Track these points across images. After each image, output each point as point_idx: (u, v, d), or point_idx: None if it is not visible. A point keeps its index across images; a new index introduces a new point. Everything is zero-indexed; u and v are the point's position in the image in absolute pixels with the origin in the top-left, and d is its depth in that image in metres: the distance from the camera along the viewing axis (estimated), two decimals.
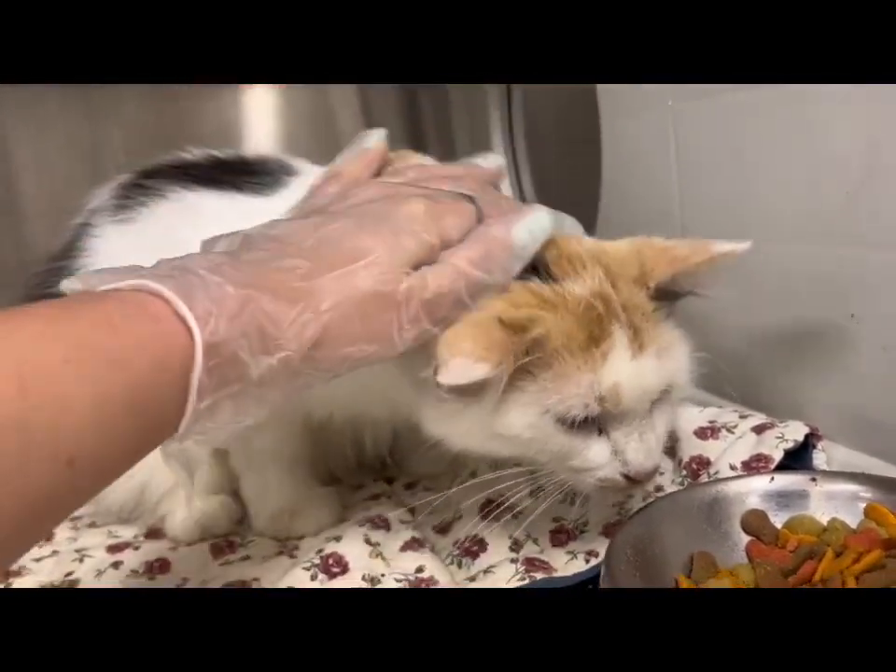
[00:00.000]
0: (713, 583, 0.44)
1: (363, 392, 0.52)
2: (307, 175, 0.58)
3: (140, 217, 0.60)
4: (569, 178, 1.02)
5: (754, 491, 0.49)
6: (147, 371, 0.33)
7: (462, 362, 0.42)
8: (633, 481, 0.47)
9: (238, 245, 0.42)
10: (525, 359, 0.45)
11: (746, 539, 0.48)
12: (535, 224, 0.46)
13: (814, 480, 0.49)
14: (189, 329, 0.34)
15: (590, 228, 0.54)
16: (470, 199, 0.47)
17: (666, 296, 0.50)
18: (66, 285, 0.38)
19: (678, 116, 0.71)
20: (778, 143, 0.60)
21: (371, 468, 0.72)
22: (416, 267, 0.42)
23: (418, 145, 0.66)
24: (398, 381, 0.48)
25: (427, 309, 0.42)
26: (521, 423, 0.46)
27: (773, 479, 0.49)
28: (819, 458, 0.57)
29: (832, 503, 0.48)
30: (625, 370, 0.46)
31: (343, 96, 1.19)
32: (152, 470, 0.62)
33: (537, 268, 0.47)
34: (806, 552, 0.44)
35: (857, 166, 0.53)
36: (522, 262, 0.46)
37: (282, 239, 0.42)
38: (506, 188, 0.68)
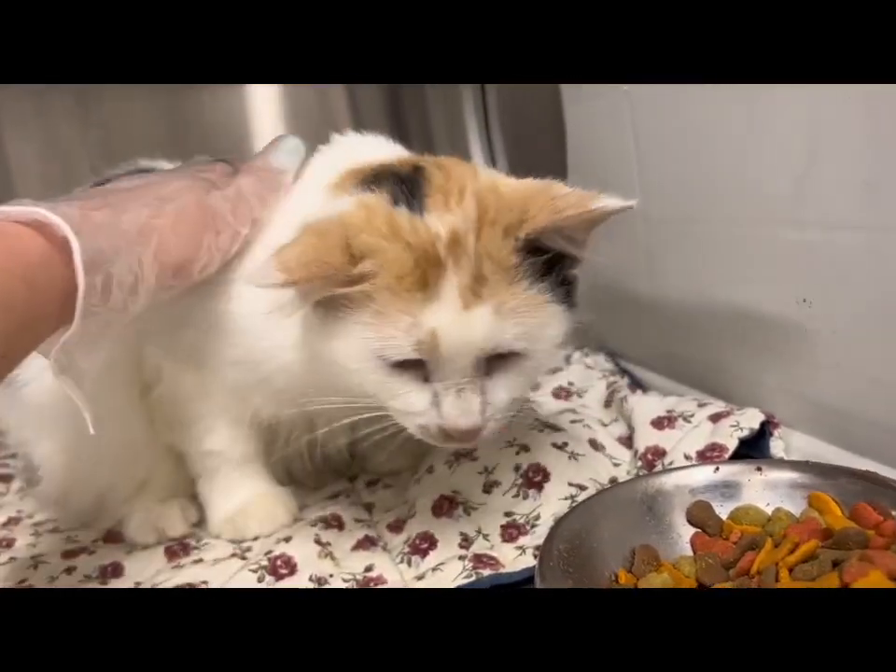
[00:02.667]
0: (654, 577, 0.43)
1: (300, 380, 0.52)
2: None
3: None
4: (541, 167, 1.01)
5: (699, 482, 0.48)
6: (37, 257, 0.40)
7: (269, 266, 0.43)
8: (449, 435, 0.46)
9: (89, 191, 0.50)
10: (349, 289, 0.44)
11: (691, 530, 0.47)
12: (289, 145, 0.57)
13: (759, 469, 0.48)
14: (49, 231, 0.41)
15: None
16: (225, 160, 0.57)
17: (539, 251, 0.46)
18: None
19: (634, 100, 0.70)
20: (731, 127, 0.59)
21: (334, 467, 0.71)
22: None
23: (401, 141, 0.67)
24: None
25: (232, 214, 0.51)
26: (344, 353, 0.46)
27: (717, 469, 0.48)
28: (777, 446, 0.56)
29: (776, 492, 0.47)
30: (447, 318, 0.44)
31: (335, 96, 1.21)
32: (113, 476, 0.62)
33: (412, 189, 0.47)
34: (747, 543, 0.43)
35: (802, 150, 0.52)
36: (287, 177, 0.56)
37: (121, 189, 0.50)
38: None
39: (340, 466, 0.71)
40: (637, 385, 0.77)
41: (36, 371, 0.55)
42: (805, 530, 0.42)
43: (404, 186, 0.48)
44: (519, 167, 1.14)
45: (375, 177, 0.49)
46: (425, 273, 0.44)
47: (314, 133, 1.21)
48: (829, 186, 0.50)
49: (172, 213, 0.47)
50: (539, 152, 1.05)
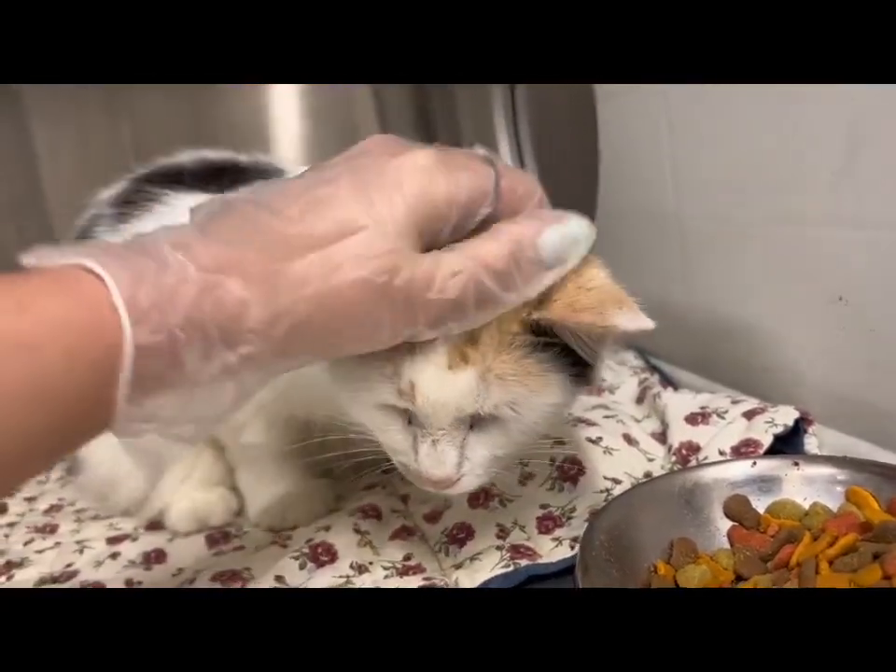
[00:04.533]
0: (692, 569, 0.43)
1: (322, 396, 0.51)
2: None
3: (137, 221, 0.61)
4: (569, 167, 1.02)
5: (736, 476, 0.49)
6: (59, 359, 0.30)
7: None
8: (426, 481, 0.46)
9: (217, 211, 0.36)
10: None
11: (728, 524, 0.48)
12: (574, 231, 0.41)
13: (796, 464, 0.48)
14: (120, 321, 0.31)
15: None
16: (489, 161, 0.40)
17: (549, 334, 0.44)
18: (24, 259, 0.34)
19: (669, 98, 0.71)
20: (767, 125, 0.59)
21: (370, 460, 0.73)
22: (422, 236, 0.37)
23: (428, 141, 0.69)
24: None
25: (426, 311, 0.37)
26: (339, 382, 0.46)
27: (755, 463, 0.49)
28: (811, 443, 0.57)
29: (813, 487, 0.47)
30: (428, 376, 0.43)
31: (359, 96, 1.22)
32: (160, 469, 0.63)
33: None
34: (785, 536, 0.44)
35: (839, 148, 0.52)
36: (549, 278, 0.40)
37: (265, 205, 0.36)
38: None
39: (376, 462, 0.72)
40: (667, 381, 0.78)
41: None
42: (844, 524, 0.42)
43: None
44: (547, 168, 1.16)
45: None
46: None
47: (338, 133, 1.24)
48: (865, 184, 0.51)
49: (328, 300, 0.35)
50: (568, 153, 1.06)
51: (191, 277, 0.33)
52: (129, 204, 0.62)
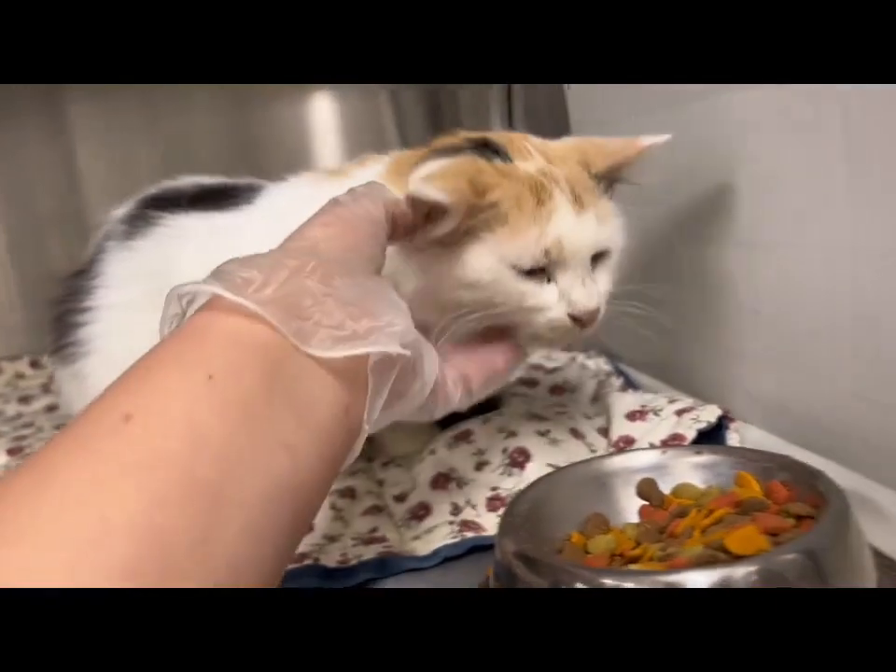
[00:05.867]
0: (600, 538, 0.51)
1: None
2: (269, 191, 0.68)
3: (141, 244, 0.70)
4: None
5: (649, 462, 0.56)
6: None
7: (427, 181, 0.50)
8: (577, 321, 0.56)
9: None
10: (482, 215, 0.53)
11: (640, 503, 0.55)
12: None
13: (699, 452, 0.56)
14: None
15: None
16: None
17: (602, 182, 0.59)
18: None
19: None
20: (703, 156, 0.67)
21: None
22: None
23: None
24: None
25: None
26: (481, 267, 0.54)
27: (665, 451, 0.57)
28: (732, 438, 0.64)
29: (712, 472, 0.55)
30: (567, 225, 0.55)
31: (381, 100, 1.36)
32: None
33: (496, 149, 0.57)
34: (677, 511, 0.51)
35: (742, 173, 0.60)
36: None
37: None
38: None
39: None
40: (630, 385, 0.85)
41: (98, 343, 0.65)
42: (724, 501, 0.50)
43: (485, 149, 0.57)
44: None
45: (439, 154, 0.58)
46: (539, 196, 0.55)
47: (363, 135, 1.34)
48: (768, 205, 0.58)
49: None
50: None
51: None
52: (135, 223, 0.71)
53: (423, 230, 0.52)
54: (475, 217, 0.53)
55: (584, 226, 0.55)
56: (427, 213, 0.51)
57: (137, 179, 0.79)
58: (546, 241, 0.54)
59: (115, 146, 1.30)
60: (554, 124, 1.12)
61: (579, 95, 0.91)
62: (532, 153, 0.58)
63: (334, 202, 0.46)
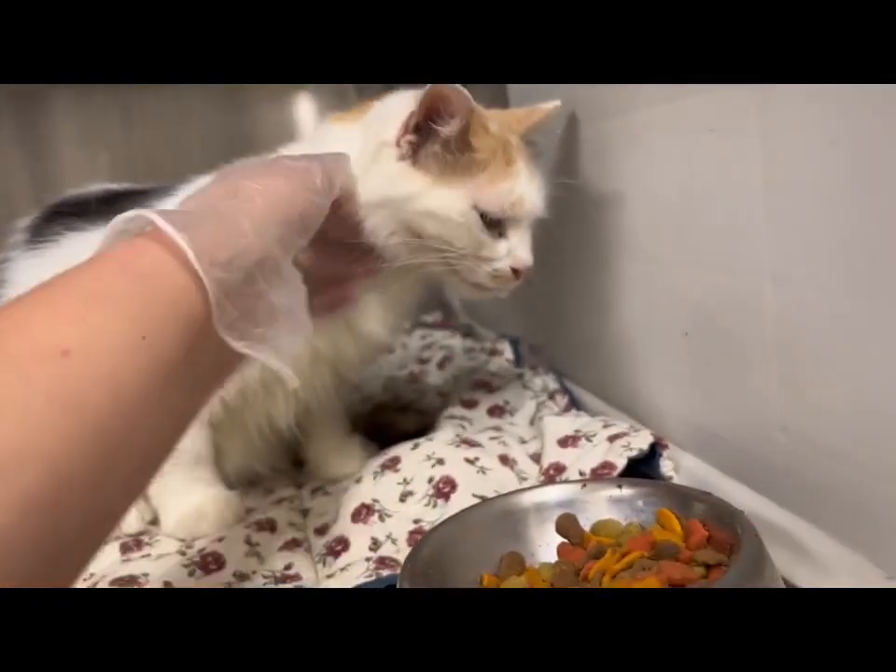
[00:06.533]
0: (514, 580, 0.48)
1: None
2: (179, 194, 0.65)
3: (49, 250, 0.68)
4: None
5: (567, 496, 0.53)
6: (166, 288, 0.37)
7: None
8: (516, 273, 0.63)
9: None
10: (463, 157, 0.60)
11: (559, 540, 0.52)
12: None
13: (619, 486, 0.53)
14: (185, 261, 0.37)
15: None
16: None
17: None
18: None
19: (560, 141, 0.76)
20: (626, 174, 0.65)
21: (286, 468, 0.79)
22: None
23: None
24: None
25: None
26: (456, 208, 0.60)
27: (584, 485, 0.53)
28: (666, 465, 0.61)
29: (633, 507, 0.52)
30: (527, 187, 0.62)
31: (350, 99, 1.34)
32: None
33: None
34: (594, 552, 0.48)
35: (682, 193, 0.57)
36: None
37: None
38: None
39: (290, 453, 0.79)
40: (574, 404, 0.82)
41: None
42: (639, 542, 0.47)
43: None
44: None
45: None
46: (508, 155, 0.62)
47: None
48: (702, 228, 0.56)
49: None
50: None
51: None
52: (38, 233, 0.68)
53: (424, 138, 0.59)
54: (455, 154, 0.60)
55: (536, 190, 0.63)
56: (425, 117, 0.58)
57: (115, 180, 0.77)
58: (512, 196, 0.61)
59: (94, 147, 1.28)
60: None
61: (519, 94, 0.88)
62: (492, 116, 0.63)
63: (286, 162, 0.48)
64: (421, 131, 0.59)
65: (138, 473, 0.36)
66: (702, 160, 0.54)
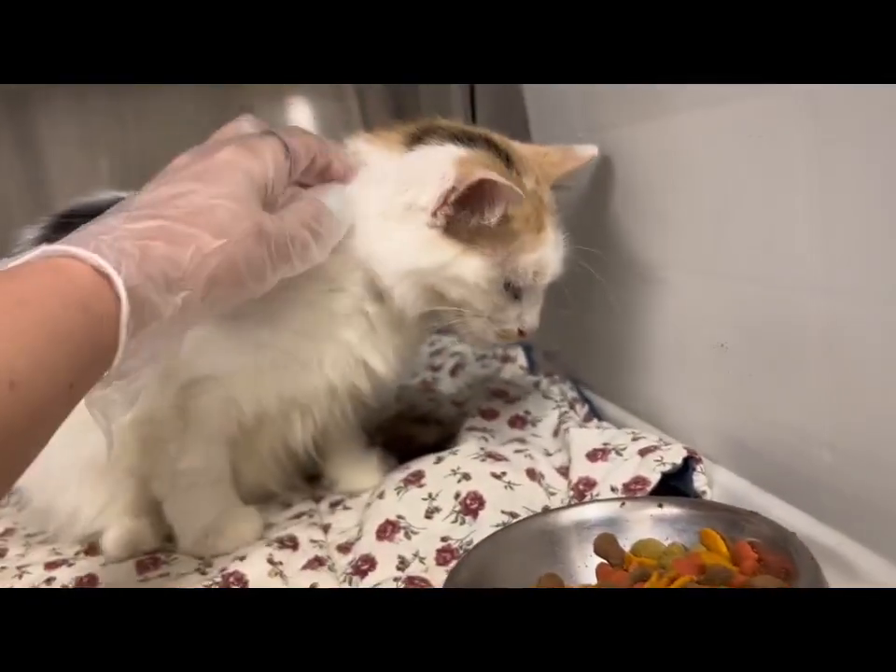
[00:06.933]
0: None
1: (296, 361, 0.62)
2: None
3: None
4: None
5: (606, 515, 0.52)
6: (58, 308, 0.39)
7: (492, 172, 0.55)
8: (521, 334, 0.63)
9: (117, 212, 0.46)
10: (494, 228, 0.58)
11: (598, 561, 0.51)
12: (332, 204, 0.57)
13: (660, 505, 0.51)
14: (107, 277, 0.40)
15: None
16: (272, 133, 0.54)
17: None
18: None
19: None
20: (660, 179, 0.63)
21: (302, 484, 0.77)
22: (265, 205, 0.50)
23: None
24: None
25: (290, 242, 0.50)
26: (486, 276, 0.59)
27: (624, 503, 0.52)
28: (699, 480, 0.60)
29: (674, 527, 0.50)
30: (552, 256, 0.61)
31: (349, 100, 1.37)
32: (81, 494, 0.67)
33: (498, 150, 0.61)
34: (638, 574, 0.47)
35: (717, 203, 0.56)
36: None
37: (148, 203, 0.47)
38: None
39: (303, 480, 0.77)
40: (594, 414, 0.81)
41: None
42: (687, 565, 0.45)
43: (499, 150, 0.61)
44: None
45: (428, 133, 0.62)
46: (539, 220, 0.60)
47: (332, 130, 1.33)
48: (737, 242, 0.54)
49: (227, 246, 0.46)
50: None
51: (129, 246, 0.42)
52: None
53: (463, 215, 0.57)
54: (490, 225, 0.58)
55: (558, 254, 0.62)
56: (468, 197, 0.56)
57: (112, 184, 0.75)
58: (538, 267, 0.60)
59: (90, 151, 1.26)
60: (516, 124, 1.09)
61: (535, 95, 0.86)
62: (529, 166, 0.62)
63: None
64: (460, 205, 0.57)
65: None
66: (742, 167, 0.52)
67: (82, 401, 0.42)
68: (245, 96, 1.27)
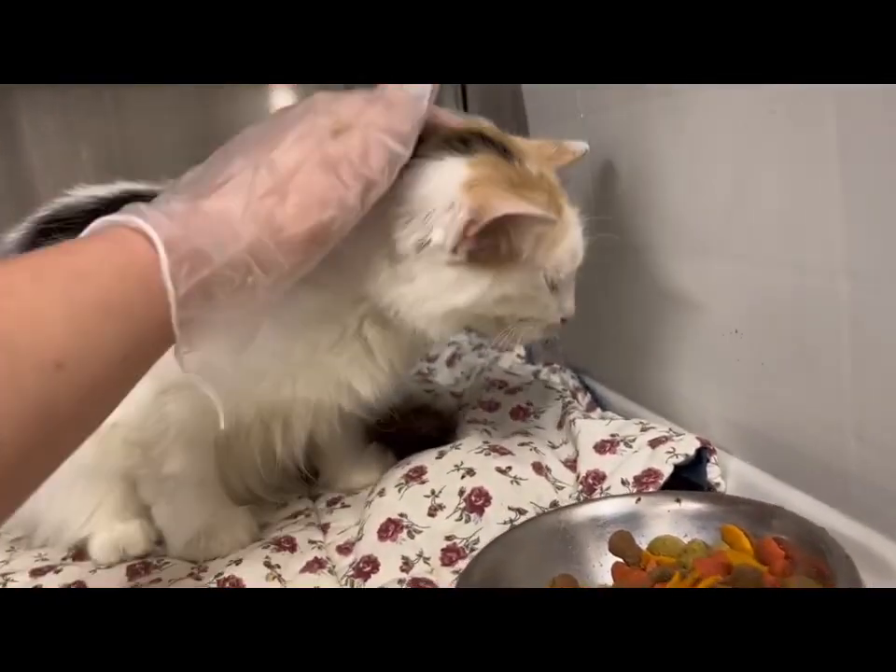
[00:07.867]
0: None
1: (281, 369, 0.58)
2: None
3: None
4: None
5: (620, 512, 0.50)
6: (111, 279, 0.37)
7: (510, 198, 0.50)
8: (563, 322, 0.59)
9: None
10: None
11: (613, 559, 0.49)
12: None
13: (678, 500, 0.49)
14: (148, 238, 0.39)
15: None
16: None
17: None
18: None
19: (589, 127, 0.72)
20: (675, 162, 0.60)
21: (296, 484, 0.74)
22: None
23: None
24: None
25: (362, 160, 0.45)
26: (529, 283, 0.55)
27: (639, 499, 0.50)
28: (714, 471, 0.57)
29: (693, 523, 0.48)
30: (579, 233, 0.57)
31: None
32: (69, 501, 0.64)
33: (505, 149, 0.55)
34: (658, 575, 0.44)
35: (731, 183, 0.53)
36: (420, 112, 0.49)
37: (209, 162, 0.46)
38: None
39: (297, 480, 0.73)
40: (597, 404, 0.79)
41: None
42: (711, 564, 0.43)
43: (496, 145, 0.55)
44: None
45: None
46: (557, 205, 0.56)
47: None
48: (757, 221, 0.51)
49: (288, 185, 0.43)
50: None
51: (177, 206, 0.41)
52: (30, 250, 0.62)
53: (486, 244, 0.52)
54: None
55: (580, 231, 0.58)
56: (487, 229, 0.50)
57: (97, 180, 0.72)
58: (572, 254, 0.56)
59: (71, 145, 1.22)
60: (508, 118, 1.07)
61: (533, 90, 0.84)
62: (528, 152, 0.57)
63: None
64: (482, 235, 0.51)
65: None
66: (759, 148, 0.50)
67: None
68: (229, 87, 1.24)
